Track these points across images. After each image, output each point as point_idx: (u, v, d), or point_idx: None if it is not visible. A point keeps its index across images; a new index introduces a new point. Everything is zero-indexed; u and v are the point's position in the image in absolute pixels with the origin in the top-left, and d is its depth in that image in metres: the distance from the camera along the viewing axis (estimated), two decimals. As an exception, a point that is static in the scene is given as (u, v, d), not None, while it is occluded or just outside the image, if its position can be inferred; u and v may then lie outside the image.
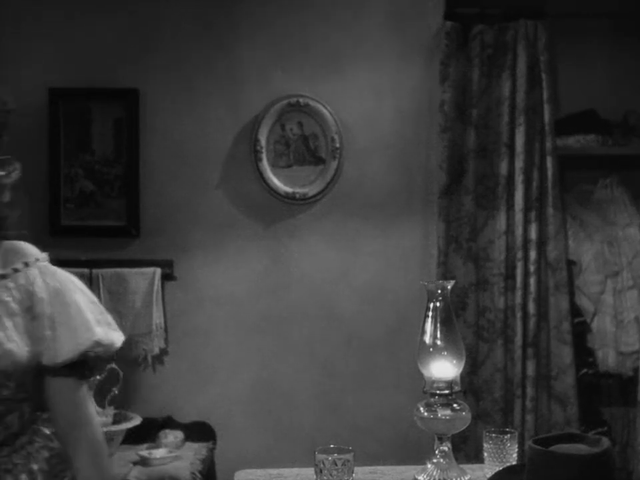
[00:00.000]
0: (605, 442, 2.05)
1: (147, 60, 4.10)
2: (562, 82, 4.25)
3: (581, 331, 4.16)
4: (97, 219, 4.12)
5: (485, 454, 2.59)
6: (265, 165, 4.08)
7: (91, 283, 4.05)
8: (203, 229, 4.12)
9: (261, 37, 4.09)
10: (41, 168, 4.09)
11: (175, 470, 3.70)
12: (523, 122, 4.03)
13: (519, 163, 4.04)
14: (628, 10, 4.11)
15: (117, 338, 2.09)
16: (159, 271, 4.06)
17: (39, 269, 2.12)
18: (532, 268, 4.03)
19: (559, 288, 4.07)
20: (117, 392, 3.95)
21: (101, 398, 3.91)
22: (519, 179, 4.04)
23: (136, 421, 3.92)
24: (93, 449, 2.07)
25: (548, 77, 4.06)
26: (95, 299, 2.17)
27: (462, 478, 2.54)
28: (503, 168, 4.06)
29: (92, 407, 2.12)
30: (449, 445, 2.56)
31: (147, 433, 3.94)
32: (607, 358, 4.14)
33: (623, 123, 4.20)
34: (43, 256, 2.15)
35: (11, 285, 2.07)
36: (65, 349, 2.04)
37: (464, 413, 2.64)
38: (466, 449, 3.95)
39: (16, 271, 2.08)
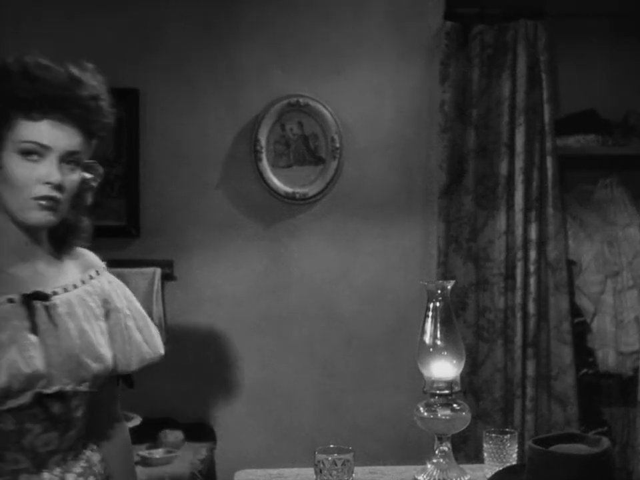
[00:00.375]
0: (605, 442, 2.05)
1: (147, 60, 4.10)
2: (562, 82, 4.25)
3: (581, 331, 4.16)
4: (97, 218, 4.02)
5: (485, 454, 2.59)
6: (265, 164, 4.08)
7: (91, 283, 4.05)
8: (203, 228, 4.12)
9: (260, 37, 4.09)
10: (41, 168, 4.09)
11: (174, 470, 3.70)
12: (523, 122, 4.03)
13: (519, 163, 4.04)
14: (628, 10, 4.11)
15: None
16: (158, 270, 4.06)
17: (106, 278, 2.15)
18: (532, 268, 4.03)
19: (559, 288, 4.08)
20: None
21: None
22: (519, 179, 4.04)
23: (136, 421, 3.92)
24: (126, 441, 2.22)
25: (548, 76, 4.06)
26: None
27: (462, 478, 2.54)
28: (503, 168, 4.06)
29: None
30: (449, 445, 2.56)
31: (147, 433, 3.94)
32: (607, 358, 4.14)
33: (623, 122, 4.20)
34: (104, 264, 2.18)
35: (90, 290, 2.07)
36: (136, 359, 2.12)
37: (464, 413, 2.64)
38: (466, 449, 3.95)
39: (91, 278, 2.10)
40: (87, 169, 2.02)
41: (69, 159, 1.93)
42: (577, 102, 4.22)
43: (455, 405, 2.48)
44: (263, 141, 4.07)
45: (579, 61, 4.24)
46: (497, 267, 4.07)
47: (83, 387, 1.97)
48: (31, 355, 1.88)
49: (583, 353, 4.15)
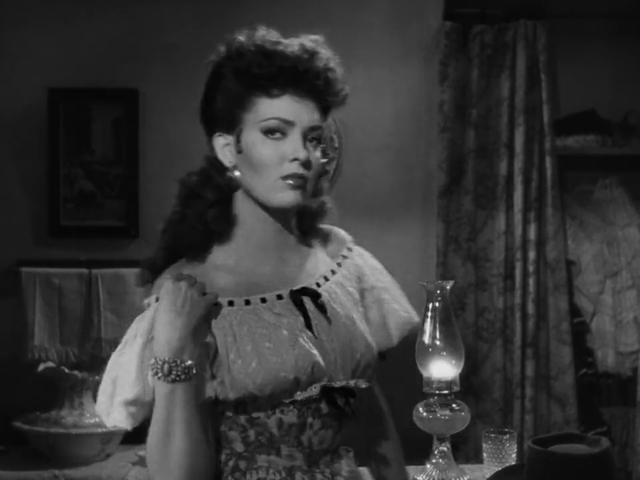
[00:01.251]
0: (605, 442, 2.05)
1: (146, 60, 4.09)
2: (562, 82, 4.24)
3: (580, 331, 4.16)
4: (97, 219, 4.12)
5: (484, 454, 2.59)
6: (265, 165, 4.08)
7: (90, 283, 4.05)
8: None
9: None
10: (40, 168, 4.09)
11: (174, 470, 3.70)
12: (522, 122, 4.03)
13: (519, 163, 4.04)
14: (628, 10, 4.11)
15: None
16: (158, 271, 4.05)
17: (357, 252, 2.05)
18: (531, 268, 4.03)
19: (558, 288, 4.08)
20: (116, 392, 3.95)
21: (100, 398, 3.90)
22: (518, 179, 4.04)
23: (135, 421, 3.92)
24: (396, 439, 2.12)
25: (547, 77, 4.06)
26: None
27: (461, 478, 2.54)
28: (503, 168, 4.06)
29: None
30: (448, 445, 2.55)
31: (146, 433, 3.93)
32: (606, 358, 4.14)
33: (622, 123, 4.19)
34: (351, 238, 2.08)
35: (346, 273, 1.98)
36: (396, 333, 2.02)
37: (463, 413, 2.64)
38: (465, 449, 3.94)
39: (344, 257, 2.00)
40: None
41: (311, 134, 1.84)
42: (576, 102, 4.22)
43: (454, 405, 2.48)
44: (262, 141, 4.07)
45: (579, 61, 4.24)
46: (496, 267, 4.07)
47: (362, 383, 1.89)
48: (311, 351, 1.82)
49: (582, 353, 4.15)
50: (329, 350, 1.86)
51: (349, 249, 2.02)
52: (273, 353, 1.80)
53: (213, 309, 1.83)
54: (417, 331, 2.00)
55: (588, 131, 4.14)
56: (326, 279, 1.92)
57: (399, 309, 2.02)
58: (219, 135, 1.93)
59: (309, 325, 1.84)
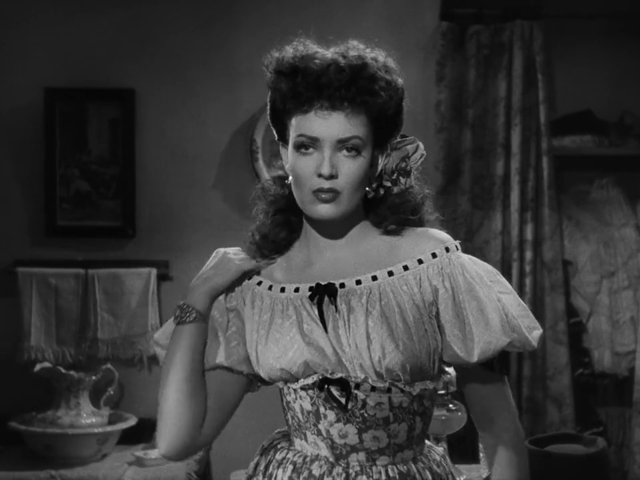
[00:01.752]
0: (601, 442, 2.06)
1: (143, 60, 4.09)
2: (558, 82, 4.24)
3: (576, 331, 4.17)
4: (93, 219, 4.12)
5: (481, 454, 2.59)
6: (261, 164, 4.08)
7: (86, 283, 4.05)
8: (199, 229, 4.11)
9: (256, 37, 4.08)
10: (36, 168, 4.09)
11: (170, 470, 3.70)
12: (519, 122, 4.04)
13: (515, 164, 4.04)
14: (624, 11, 4.11)
15: (534, 336, 1.88)
16: (154, 271, 4.05)
17: (456, 256, 1.99)
18: (528, 268, 4.04)
19: (555, 288, 4.08)
20: (112, 392, 3.95)
21: (96, 398, 3.91)
22: (514, 179, 4.04)
23: (131, 421, 3.92)
24: (512, 437, 1.95)
25: (544, 77, 4.06)
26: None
27: (458, 478, 2.54)
28: (499, 168, 4.06)
29: (510, 399, 1.97)
30: (445, 445, 2.56)
31: (142, 433, 3.94)
32: (603, 358, 4.14)
33: (619, 123, 4.20)
34: (456, 243, 2.02)
35: (410, 278, 1.92)
36: (477, 350, 1.87)
37: (460, 414, 2.64)
38: (461, 449, 3.94)
39: (420, 262, 1.93)
40: (379, 152, 1.96)
41: (344, 145, 1.87)
42: (572, 102, 4.22)
43: (450, 406, 2.49)
44: (259, 141, 4.07)
45: (575, 61, 4.24)
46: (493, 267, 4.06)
47: (378, 383, 1.86)
48: (308, 346, 1.87)
49: (579, 353, 4.16)
50: (341, 346, 1.87)
51: (447, 249, 1.96)
52: (274, 340, 1.91)
53: (241, 279, 2.00)
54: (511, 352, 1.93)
55: (584, 131, 4.14)
56: (374, 278, 1.90)
57: (482, 326, 1.87)
58: (282, 144, 1.98)
59: (322, 320, 1.88)
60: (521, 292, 4.03)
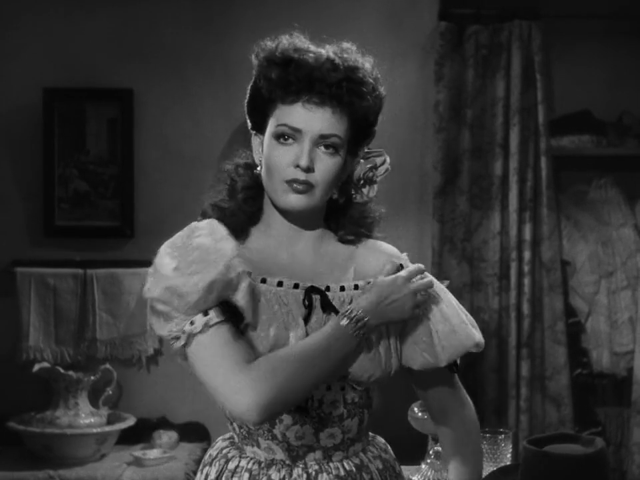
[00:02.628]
0: (599, 442, 2.05)
1: (141, 60, 4.09)
2: (556, 82, 4.25)
3: (575, 331, 4.17)
4: (92, 219, 4.12)
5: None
6: (260, 165, 4.08)
7: (85, 283, 4.05)
8: (197, 229, 4.11)
9: (255, 36, 4.08)
10: (35, 168, 4.09)
11: (169, 471, 3.70)
12: (517, 122, 4.04)
13: (514, 164, 4.04)
14: (622, 11, 4.12)
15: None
16: (153, 271, 4.05)
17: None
18: (526, 268, 4.04)
19: (553, 288, 4.08)
20: (110, 392, 3.95)
21: (94, 398, 3.91)
22: (513, 179, 4.04)
23: (130, 421, 3.92)
24: (467, 426, 2.06)
25: (542, 77, 4.06)
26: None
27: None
28: (498, 168, 4.06)
29: (463, 392, 2.09)
30: (444, 445, 2.55)
31: (141, 433, 3.94)
32: (601, 358, 4.14)
33: (617, 123, 4.20)
34: (403, 255, 2.09)
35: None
36: (446, 355, 1.97)
37: (458, 414, 2.64)
38: (460, 449, 3.95)
39: (388, 272, 1.98)
40: (356, 154, 1.97)
41: (324, 142, 1.88)
42: (571, 102, 4.22)
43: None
44: (257, 141, 4.07)
45: (574, 61, 4.24)
46: (491, 268, 4.07)
47: (338, 383, 1.90)
48: (281, 338, 1.85)
49: (577, 353, 4.16)
50: None
51: (401, 266, 2.01)
52: (258, 339, 1.86)
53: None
54: (474, 351, 2.01)
55: (583, 131, 4.14)
56: (342, 289, 1.93)
57: (447, 330, 1.97)
58: (255, 134, 2.00)
59: (307, 321, 1.88)
60: (519, 292, 4.03)
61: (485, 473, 2.46)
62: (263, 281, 1.91)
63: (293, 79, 1.88)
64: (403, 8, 4.11)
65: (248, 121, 2.01)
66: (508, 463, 2.55)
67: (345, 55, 1.94)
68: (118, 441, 3.88)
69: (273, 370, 1.78)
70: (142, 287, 2.07)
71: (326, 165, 1.89)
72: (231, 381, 1.80)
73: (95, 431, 3.77)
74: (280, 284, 1.90)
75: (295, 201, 1.89)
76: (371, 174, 2.05)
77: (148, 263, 4.25)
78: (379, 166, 2.07)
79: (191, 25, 4.10)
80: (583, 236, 4.19)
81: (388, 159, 2.07)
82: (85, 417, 3.82)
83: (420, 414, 2.72)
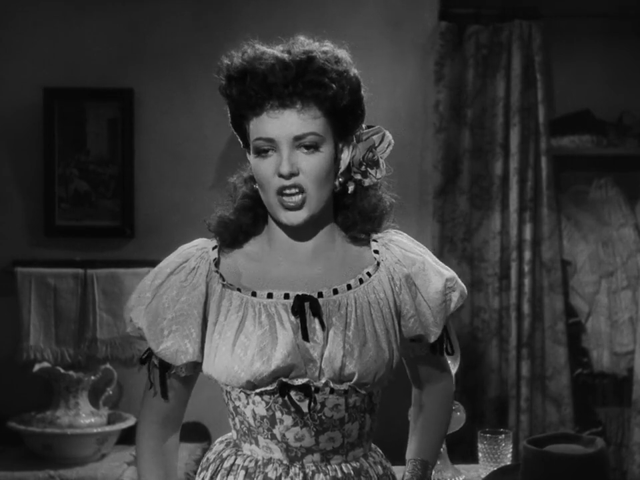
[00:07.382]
0: (600, 442, 2.05)
1: (141, 60, 4.09)
2: (557, 82, 4.25)
3: (575, 331, 4.17)
4: (92, 219, 4.12)
5: (480, 454, 2.60)
6: (260, 165, 4.08)
7: (85, 283, 4.05)
8: (197, 229, 4.10)
9: (255, 36, 4.08)
10: (35, 168, 4.09)
11: (169, 470, 3.69)
12: (517, 122, 4.04)
13: (514, 164, 4.04)
14: (622, 11, 4.12)
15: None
16: (153, 271, 4.05)
17: (386, 244, 2.08)
18: (526, 268, 4.04)
19: (554, 288, 4.08)
20: (111, 392, 3.95)
21: (95, 398, 3.91)
22: (513, 179, 4.04)
23: (130, 421, 3.92)
24: (446, 393, 2.12)
25: (543, 77, 4.06)
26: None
27: (456, 478, 2.55)
28: (498, 168, 4.06)
29: (446, 360, 2.12)
30: (444, 445, 2.56)
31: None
32: (602, 358, 4.14)
33: (617, 123, 4.20)
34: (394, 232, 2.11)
35: (376, 284, 1.97)
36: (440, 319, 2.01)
37: (458, 414, 2.64)
38: (460, 449, 3.94)
39: (378, 264, 1.99)
40: (342, 146, 1.94)
41: (302, 143, 1.85)
42: (571, 102, 4.22)
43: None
44: (257, 141, 4.07)
45: (574, 61, 4.24)
46: (492, 267, 4.07)
47: (342, 386, 1.89)
48: (280, 354, 1.85)
49: (578, 353, 4.16)
50: (315, 355, 1.87)
51: (385, 245, 2.03)
52: (242, 346, 1.87)
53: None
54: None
55: (583, 131, 4.14)
56: (335, 292, 1.92)
57: (429, 313, 2.00)
58: (247, 152, 1.98)
59: (304, 329, 1.87)
60: (519, 292, 4.03)
61: (485, 473, 2.46)
62: (253, 294, 1.89)
63: (251, 92, 1.86)
64: (403, 8, 4.11)
65: (239, 139, 1.99)
66: (508, 463, 2.55)
67: (296, 50, 1.88)
68: (118, 441, 3.87)
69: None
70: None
71: (310, 164, 1.86)
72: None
73: (95, 430, 3.77)
74: (270, 296, 1.89)
75: (292, 218, 1.87)
76: (371, 154, 2.02)
77: (148, 262, 4.24)
78: (379, 144, 2.04)
79: (191, 25, 4.10)
80: (583, 236, 4.19)
81: (387, 134, 2.04)
82: (85, 416, 3.82)
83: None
